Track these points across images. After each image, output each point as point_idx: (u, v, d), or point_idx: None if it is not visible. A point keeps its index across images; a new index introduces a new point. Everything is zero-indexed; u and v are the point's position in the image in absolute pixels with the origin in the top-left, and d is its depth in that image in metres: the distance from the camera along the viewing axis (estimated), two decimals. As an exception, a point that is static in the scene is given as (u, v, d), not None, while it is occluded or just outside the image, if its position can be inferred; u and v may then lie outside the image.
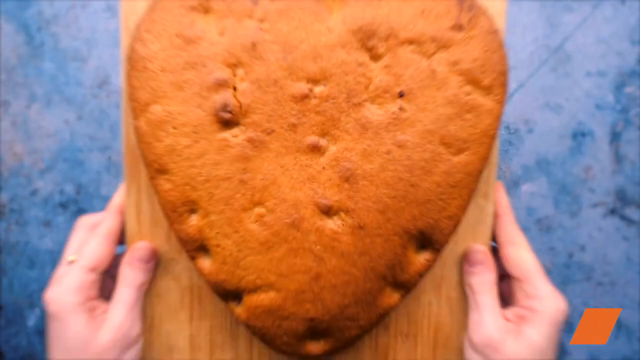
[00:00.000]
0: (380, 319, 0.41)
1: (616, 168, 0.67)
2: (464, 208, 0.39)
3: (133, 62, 0.37)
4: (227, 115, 0.37)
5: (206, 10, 0.38)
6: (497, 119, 0.38)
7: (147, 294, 0.44)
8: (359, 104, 0.38)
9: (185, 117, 0.37)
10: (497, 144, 0.43)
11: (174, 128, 0.38)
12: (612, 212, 0.68)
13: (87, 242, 0.42)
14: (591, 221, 0.68)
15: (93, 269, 0.40)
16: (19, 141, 0.67)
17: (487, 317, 0.41)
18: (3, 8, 0.66)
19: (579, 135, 0.67)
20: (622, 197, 0.68)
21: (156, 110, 0.38)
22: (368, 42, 0.37)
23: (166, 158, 0.38)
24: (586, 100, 0.67)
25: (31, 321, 0.69)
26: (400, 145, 0.37)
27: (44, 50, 0.66)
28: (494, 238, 0.44)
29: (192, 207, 0.39)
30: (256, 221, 0.39)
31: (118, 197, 0.44)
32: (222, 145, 0.38)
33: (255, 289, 0.40)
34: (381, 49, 0.38)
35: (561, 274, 0.68)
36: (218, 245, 0.39)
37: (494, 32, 0.37)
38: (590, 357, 0.68)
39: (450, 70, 0.37)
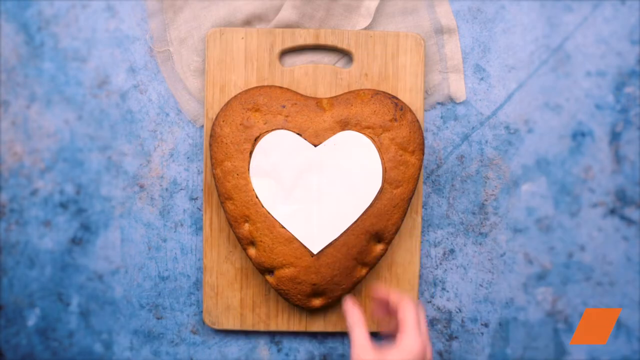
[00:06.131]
0: (354, 285, 0.64)
1: (616, 168, 0.68)
2: (402, 218, 0.63)
3: (214, 137, 0.63)
4: (267, 167, 0.64)
5: (256, 110, 0.63)
6: (418, 168, 0.63)
7: (214, 272, 0.68)
8: (340, 161, 0.64)
9: (243, 169, 0.62)
10: (421, 181, 0.66)
11: (237, 174, 0.63)
12: (612, 212, 0.68)
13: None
14: (591, 221, 0.68)
15: None
16: (19, 141, 0.67)
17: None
18: (3, 8, 0.66)
19: (579, 135, 0.67)
20: (622, 197, 0.68)
21: (227, 164, 0.63)
22: (345, 127, 0.63)
23: (232, 191, 0.63)
24: (586, 100, 0.67)
25: (31, 321, 0.68)
26: (364, 184, 0.64)
27: (44, 50, 0.66)
28: None
29: (246, 219, 0.62)
30: (282, 227, 0.62)
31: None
32: (264, 184, 0.64)
33: (281, 266, 0.62)
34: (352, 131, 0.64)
35: (561, 274, 0.69)
36: (261, 241, 0.62)
37: (415, 121, 0.64)
38: (590, 357, 0.69)
39: (390, 142, 0.62)
